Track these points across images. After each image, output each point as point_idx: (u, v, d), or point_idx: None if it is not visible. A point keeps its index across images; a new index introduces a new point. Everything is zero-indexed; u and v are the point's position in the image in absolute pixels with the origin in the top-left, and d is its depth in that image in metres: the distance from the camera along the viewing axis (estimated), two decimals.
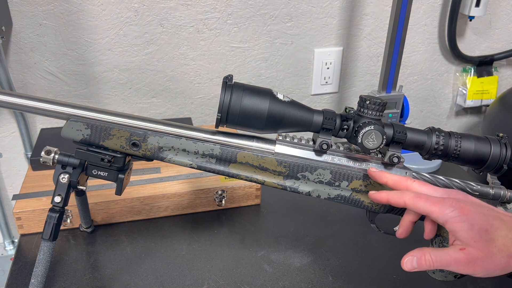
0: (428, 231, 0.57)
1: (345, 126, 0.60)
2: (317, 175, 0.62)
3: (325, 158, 0.62)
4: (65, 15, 1.01)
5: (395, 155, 0.61)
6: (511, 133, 0.70)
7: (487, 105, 1.40)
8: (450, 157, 0.60)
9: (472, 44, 1.35)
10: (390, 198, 0.56)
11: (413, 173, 0.63)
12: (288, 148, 0.62)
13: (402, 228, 0.58)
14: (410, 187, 0.56)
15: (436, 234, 0.62)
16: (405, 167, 0.63)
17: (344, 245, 0.86)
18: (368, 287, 0.77)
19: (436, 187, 0.56)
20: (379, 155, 0.63)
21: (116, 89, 1.12)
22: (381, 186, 0.63)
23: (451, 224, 0.50)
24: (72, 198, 0.75)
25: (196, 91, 1.18)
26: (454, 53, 1.32)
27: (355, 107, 0.61)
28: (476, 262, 0.49)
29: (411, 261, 0.52)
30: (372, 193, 0.58)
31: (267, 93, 0.58)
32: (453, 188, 0.62)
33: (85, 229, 0.86)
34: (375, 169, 0.61)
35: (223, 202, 0.93)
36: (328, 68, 1.24)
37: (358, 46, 1.25)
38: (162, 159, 0.62)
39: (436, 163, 1.14)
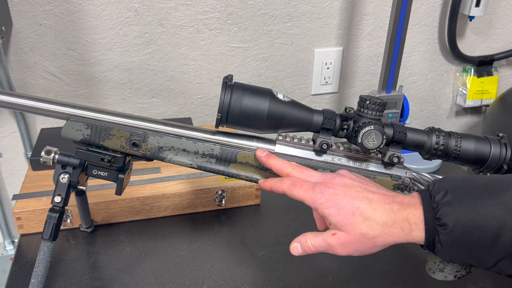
0: (317, 220, 0.58)
1: (345, 126, 0.60)
2: None
3: (325, 158, 0.62)
4: (65, 15, 1.01)
5: (395, 155, 0.61)
6: (511, 133, 0.70)
7: (487, 105, 1.40)
8: (450, 157, 0.60)
9: (472, 44, 1.35)
10: (272, 187, 0.57)
11: (413, 173, 0.63)
12: (288, 148, 0.62)
13: (316, 221, 0.58)
14: (291, 174, 0.57)
15: None
16: (405, 167, 0.63)
17: None
18: (368, 287, 0.77)
19: (315, 172, 0.56)
20: (379, 155, 0.63)
21: (116, 89, 1.12)
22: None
23: (321, 210, 0.52)
24: (72, 198, 0.75)
25: (196, 91, 1.18)
26: (454, 53, 1.32)
27: (355, 107, 0.61)
28: (346, 245, 0.51)
29: (297, 247, 0.55)
30: (260, 182, 0.60)
31: (267, 93, 0.58)
32: None
33: (85, 229, 0.86)
34: (262, 152, 0.60)
35: (223, 202, 0.93)
36: (328, 68, 1.24)
37: (358, 46, 1.25)
38: (162, 159, 0.62)
39: (436, 163, 1.14)
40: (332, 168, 0.62)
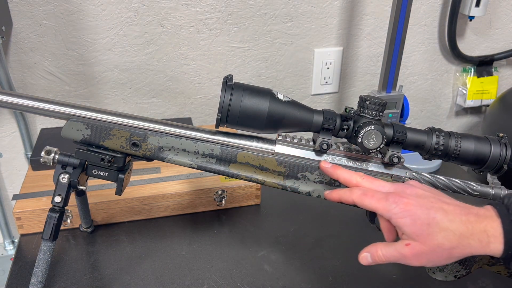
0: (385, 231, 0.56)
1: (345, 126, 0.60)
2: (317, 175, 0.62)
3: (325, 158, 0.62)
4: (65, 15, 1.01)
5: (395, 155, 0.61)
6: (511, 133, 0.70)
7: (487, 105, 1.40)
8: (450, 157, 0.60)
9: (472, 44, 1.35)
10: (341, 197, 0.57)
11: (413, 173, 0.63)
12: (288, 148, 0.62)
13: (384, 232, 0.57)
14: (360, 184, 0.57)
15: None
16: (405, 167, 0.63)
17: (344, 245, 0.86)
18: (368, 287, 0.77)
19: (385, 182, 0.56)
20: (379, 155, 0.63)
21: (116, 89, 1.12)
22: None
23: (395, 220, 0.52)
24: (72, 198, 0.75)
25: (196, 91, 1.18)
26: (454, 53, 1.32)
27: (355, 107, 0.61)
28: (421, 256, 0.51)
29: (366, 257, 0.55)
30: (327, 193, 0.60)
31: (267, 93, 0.58)
32: (453, 187, 0.63)
33: (85, 229, 0.86)
34: (327, 164, 0.60)
35: (223, 202, 0.93)
36: (328, 68, 1.24)
37: (358, 46, 1.25)
38: (162, 159, 0.62)
39: (436, 163, 1.14)
40: None
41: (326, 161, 0.61)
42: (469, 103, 1.38)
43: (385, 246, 0.53)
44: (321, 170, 0.61)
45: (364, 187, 0.56)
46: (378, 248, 0.54)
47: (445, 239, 0.50)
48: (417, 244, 0.50)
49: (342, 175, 0.59)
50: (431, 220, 0.50)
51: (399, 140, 0.59)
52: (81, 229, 0.86)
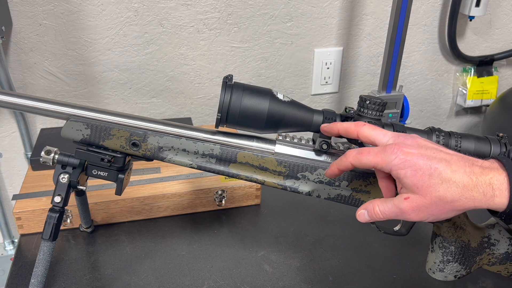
0: (384, 188, 0.55)
1: None
2: (317, 175, 0.62)
3: (325, 158, 0.62)
4: (65, 15, 1.01)
5: None
6: (511, 133, 0.70)
7: (487, 105, 1.40)
8: None
9: (472, 44, 1.35)
10: (339, 166, 0.54)
11: None
12: (288, 148, 0.62)
13: (383, 191, 0.55)
14: (360, 131, 0.54)
15: (436, 234, 0.62)
16: None
17: (344, 245, 0.86)
18: (368, 287, 0.77)
19: (386, 131, 0.53)
20: None
21: (116, 89, 1.12)
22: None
23: (395, 172, 0.49)
24: (72, 198, 0.75)
25: (196, 91, 1.18)
26: (454, 53, 1.32)
27: (355, 107, 0.61)
28: (421, 210, 0.48)
29: (364, 214, 0.52)
30: (326, 172, 0.56)
31: (267, 93, 0.58)
32: None
33: (85, 229, 0.86)
34: (326, 124, 0.58)
35: (223, 202, 0.93)
36: (328, 68, 1.24)
37: (358, 46, 1.25)
38: (162, 159, 0.62)
39: None
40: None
41: (325, 124, 0.59)
42: (469, 103, 1.38)
43: (383, 202, 0.51)
44: (322, 132, 0.59)
45: (365, 135, 0.53)
46: (375, 204, 0.51)
47: (447, 191, 0.47)
48: (417, 197, 0.48)
49: (342, 125, 0.55)
50: (433, 171, 0.47)
51: None
52: (81, 229, 0.86)
